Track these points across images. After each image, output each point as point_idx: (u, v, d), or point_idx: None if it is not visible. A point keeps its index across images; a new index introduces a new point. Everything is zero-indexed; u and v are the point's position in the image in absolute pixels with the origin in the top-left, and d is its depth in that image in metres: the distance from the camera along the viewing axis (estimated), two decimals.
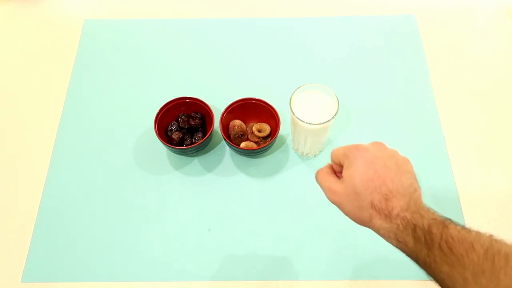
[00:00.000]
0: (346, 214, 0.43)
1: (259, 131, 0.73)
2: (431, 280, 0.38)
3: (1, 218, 0.70)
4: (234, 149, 0.72)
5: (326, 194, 0.45)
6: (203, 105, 0.73)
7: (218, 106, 0.76)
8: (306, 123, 0.62)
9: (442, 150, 0.75)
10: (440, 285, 0.37)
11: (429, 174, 0.72)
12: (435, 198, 0.70)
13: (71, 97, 0.81)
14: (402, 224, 0.38)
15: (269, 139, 0.73)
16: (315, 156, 0.75)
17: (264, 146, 0.69)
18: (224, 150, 0.76)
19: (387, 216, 0.39)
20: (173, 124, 0.74)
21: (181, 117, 0.74)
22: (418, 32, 0.89)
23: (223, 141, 0.74)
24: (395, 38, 0.88)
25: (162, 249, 0.67)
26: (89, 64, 0.86)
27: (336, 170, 0.47)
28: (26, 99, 0.82)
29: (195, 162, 0.74)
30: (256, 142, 0.73)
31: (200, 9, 0.93)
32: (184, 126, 0.73)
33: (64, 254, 0.67)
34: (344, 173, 0.43)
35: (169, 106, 0.73)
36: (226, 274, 0.65)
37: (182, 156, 0.75)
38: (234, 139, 0.72)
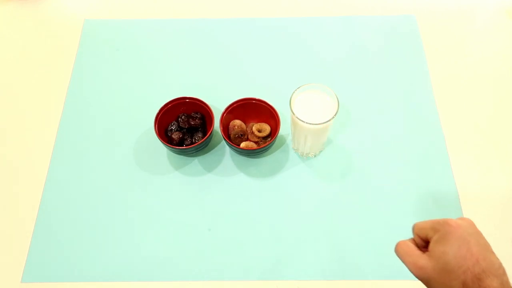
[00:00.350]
0: None
1: (259, 131, 0.73)
2: None
3: (1, 218, 0.70)
4: (234, 149, 0.72)
5: (410, 269, 0.42)
6: (203, 105, 0.73)
7: (218, 106, 0.76)
8: (306, 123, 0.62)
9: (442, 150, 0.75)
10: None
11: (429, 174, 0.73)
12: (435, 198, 0.70)
13: (71, 97, 0.81)
14: None
15: (269, 139, 0.73)
16: (315, 156, 0.75)
17: (264, 146, 0.69)
18: (224, 150, 0.76)
19: None
20: (173, 124, 0.74)
21: (181, 117, 0.74)
22: (418, 32, 0.89)
23: (223, 141, 0.74)
24: (395, 38, 0.88)
25: (162, 249, 0.67)
26: (89, 64, 0.86)
27: (419, 244, 0.44)
28: (26, 99, 0.82)
29: (195, 162, 0.74)
30: (256, 142, 0.73)
31: (200, 9, 0.93)
32: (184, 126, 0.73)
33: (64, 254, 0.67)
34: (434, 248, 0.41)
35: (169, 106, 0.73)
36: (226, 274, 0.65)
37: (182, 156, 0.75)
38: (234, 139, 0.72)
